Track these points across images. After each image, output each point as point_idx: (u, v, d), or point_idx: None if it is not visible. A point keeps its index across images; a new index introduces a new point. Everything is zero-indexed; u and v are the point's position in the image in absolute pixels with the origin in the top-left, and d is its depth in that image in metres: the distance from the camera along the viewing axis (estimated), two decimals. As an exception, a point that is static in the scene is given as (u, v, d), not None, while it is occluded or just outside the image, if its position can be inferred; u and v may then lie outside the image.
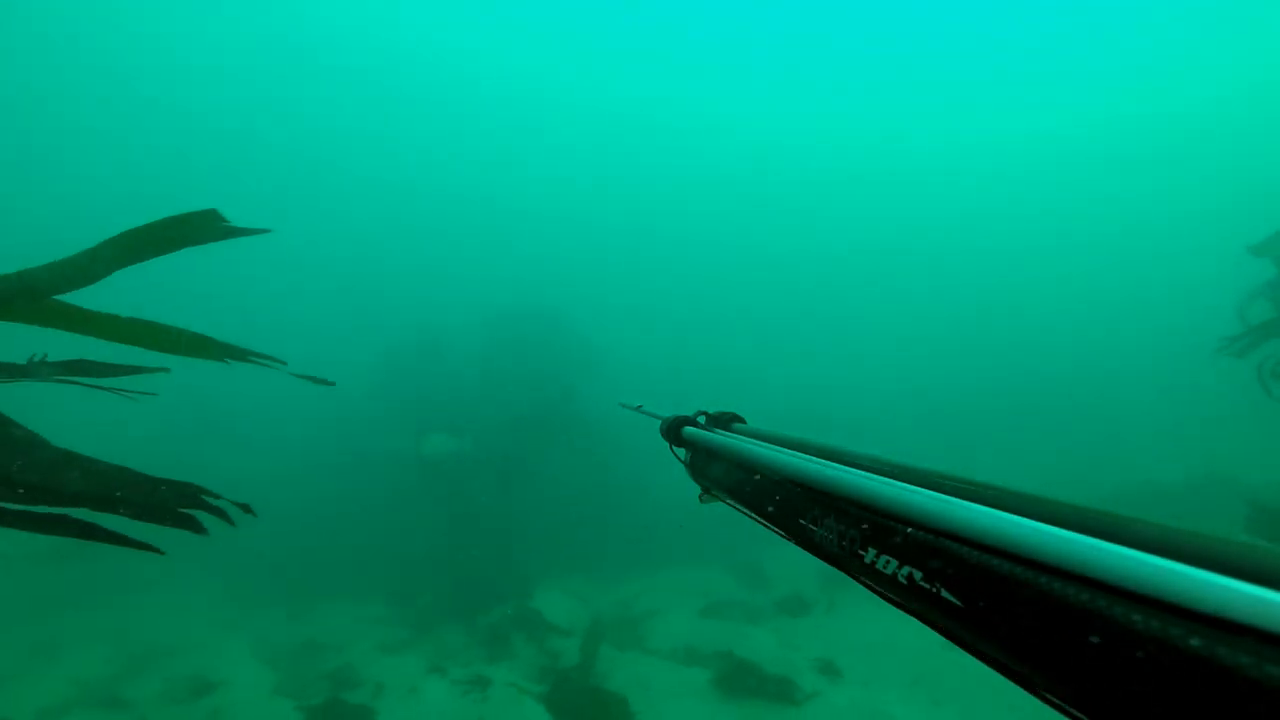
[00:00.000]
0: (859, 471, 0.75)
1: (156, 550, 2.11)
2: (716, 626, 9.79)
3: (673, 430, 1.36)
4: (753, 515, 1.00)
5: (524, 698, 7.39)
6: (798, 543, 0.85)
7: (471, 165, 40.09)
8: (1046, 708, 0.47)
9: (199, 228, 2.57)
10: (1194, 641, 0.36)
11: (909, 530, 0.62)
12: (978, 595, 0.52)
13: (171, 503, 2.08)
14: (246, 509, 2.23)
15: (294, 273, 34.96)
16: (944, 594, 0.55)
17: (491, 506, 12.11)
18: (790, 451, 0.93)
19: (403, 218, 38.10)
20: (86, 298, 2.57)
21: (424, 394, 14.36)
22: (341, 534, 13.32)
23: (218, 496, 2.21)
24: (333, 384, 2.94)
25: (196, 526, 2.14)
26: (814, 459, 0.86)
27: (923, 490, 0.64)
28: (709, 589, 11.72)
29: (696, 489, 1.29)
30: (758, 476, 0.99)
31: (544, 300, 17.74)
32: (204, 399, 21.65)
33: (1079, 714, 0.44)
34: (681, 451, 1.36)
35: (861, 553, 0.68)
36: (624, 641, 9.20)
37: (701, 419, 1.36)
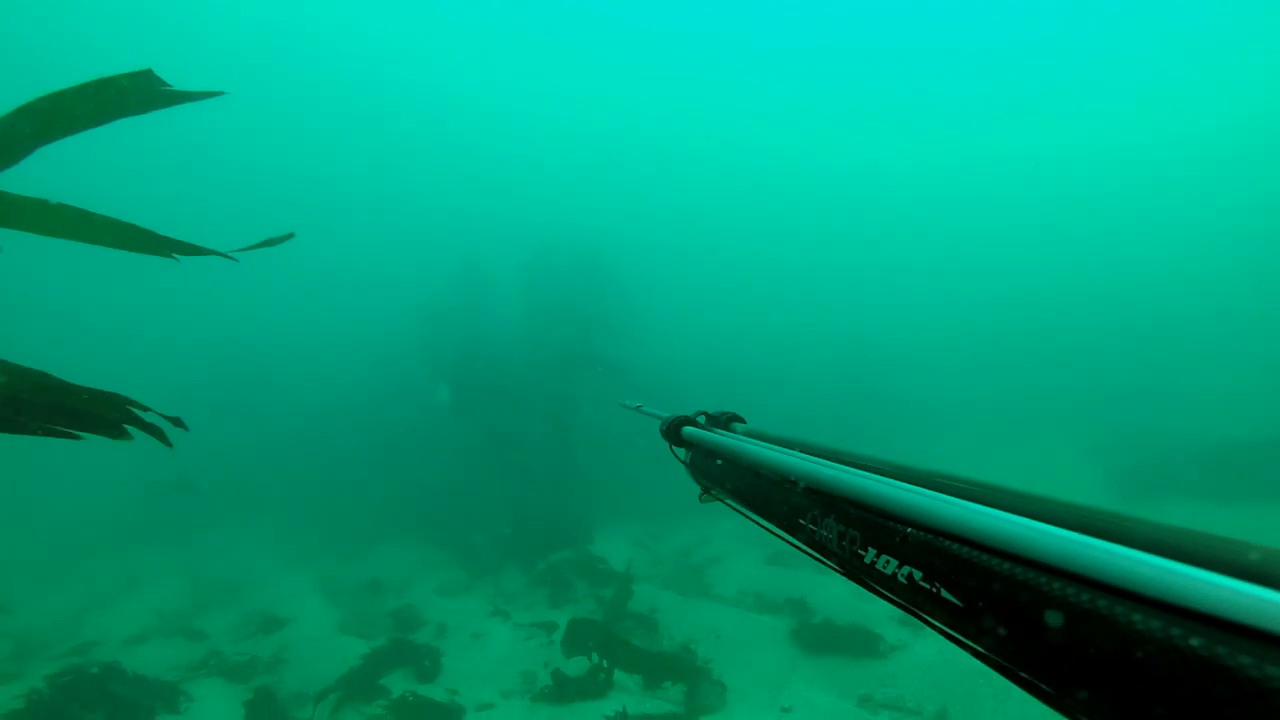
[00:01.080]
0: (859, 471, 0.75)
1: (75, 436, 2.00)
2: (784, 574, 9.30)
3: (673, 430, 1.34)
4: (753, 516, 1.02)
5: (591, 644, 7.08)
6: (798, 542, 0.85)
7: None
8: None
9: (132, 93, 2.12)
10: (1194, 641, 0.35)
11: (909, 530, 0.61)
12: (977, 595, 0.52)
13: (93, 410, 1.98)
14: (178, 422, 2.13)
15: (340, 226, 35.29)
16: (944, 594, 0.55)
17: (545, 451, 11.79)
18: (790, 451, 0.92)
19: (446, 176, 37.88)
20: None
21: (471, 341, 14.00)
22: (394, 478, 13.37)
23: (147, 409, 2.06)
24: (291, 235, 2.55)
25: (119, 433, 2.03)
26: (814, 459, 0.85)
27: (922, 490, 0.63)
28: (772, 536, 11.22)
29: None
30: (758, 476, 0.99)
31: (587, 244, 17.06)
32: (258, 345, 22.17)
33: (1079, 714, 0.43)
34: (681, 451, 1.35)
35: (861, 552, 0.68)
36: (688, 589, 8.82)
37: (701, 419, 1.34)
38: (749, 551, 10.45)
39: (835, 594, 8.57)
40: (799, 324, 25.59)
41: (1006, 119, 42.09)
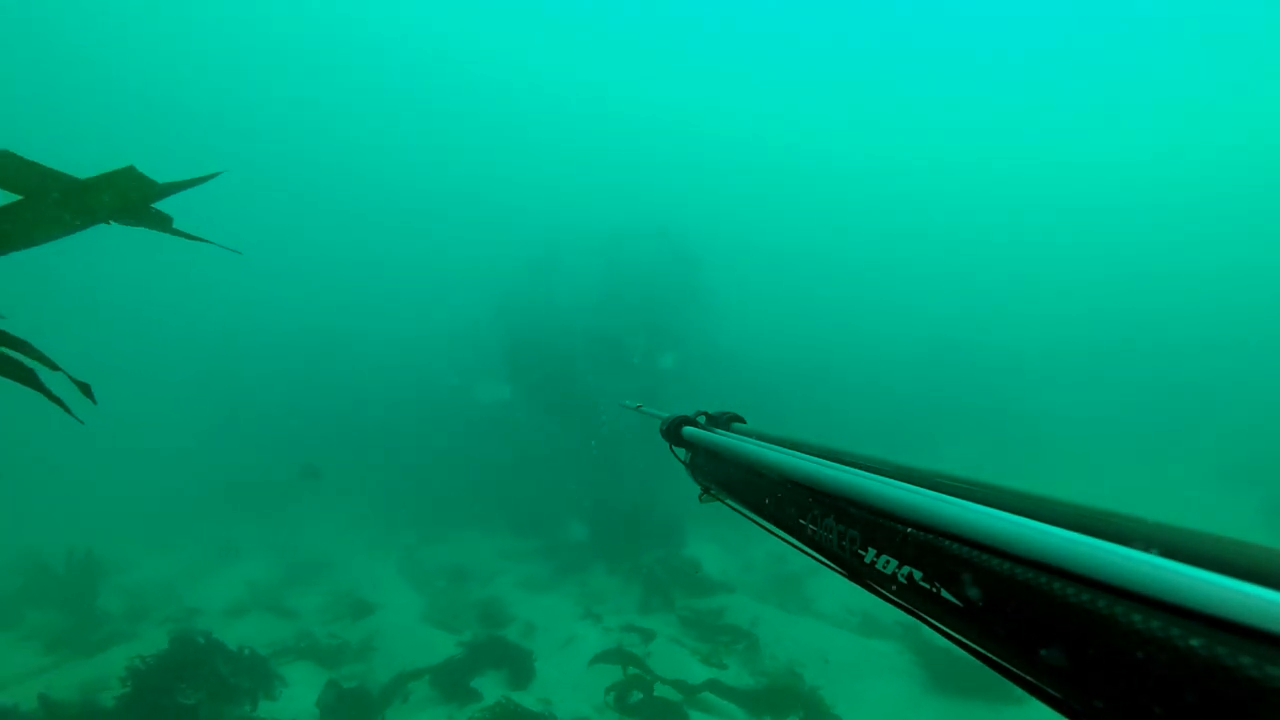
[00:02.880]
0: (859, 471, 0.75)
1: None
2: (891, 594, 8.43)
3: (673, 430, 1.34)
4: (753, 516, 1.02)
5: (690, 658, 6.55)
6: (798, 543, 0.85)
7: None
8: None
9: (118, 195, 1.86)
10: (1194, 642, 0.35)
11: (909, 530, 0.61)
12: (978, 595, 0.52)
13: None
14: (86, 390, 1.98)
15: (426, 220, 36.31)
16: (944, 594, 0.55)
17: (635, 445, 11.31)
18: (790, 451, 0.92)
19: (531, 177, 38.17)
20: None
21: (559, 331, 13.67)
22: (477, 464, 13.30)
23: (56, 367, 1.89)
24: (240, 252, 2.42)
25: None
26: (814, 459, 0.85)
27: (922, 490, 0.63)
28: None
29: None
30: (758, 476, 0.99)
31: (669, 238, 16.49)
32: (350, 331, 22.96)
33: (1079, 714, 0.43)
34: (682, 452, 1.35)
35: (861, 553, 0.68)
36: (788, 602, 8.13)
37: (702, 419, 1.34)
38: (847, 563, 9.62)
39: (953, 620, 7.66)
40: (896, 328, 24.00)
41: (1136, 121, 38.66)
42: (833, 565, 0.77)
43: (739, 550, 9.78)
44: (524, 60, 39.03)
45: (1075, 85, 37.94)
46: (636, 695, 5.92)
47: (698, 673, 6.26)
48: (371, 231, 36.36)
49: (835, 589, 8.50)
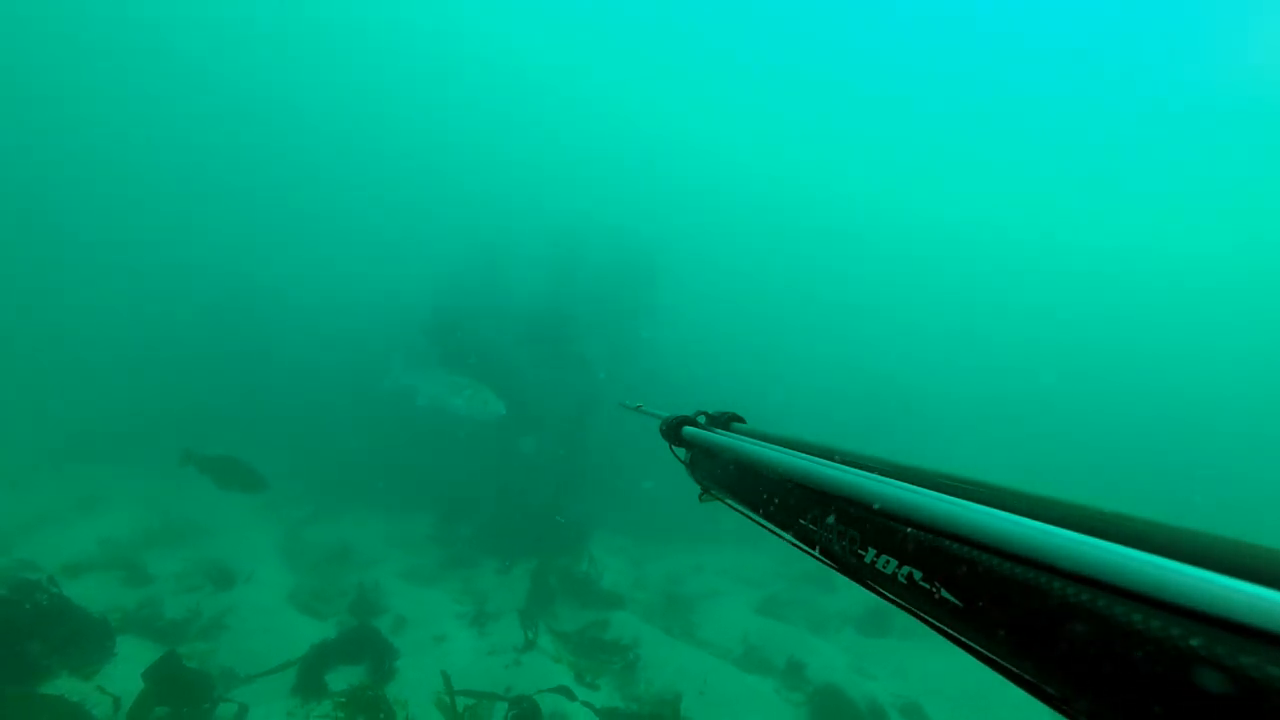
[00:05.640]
0: (859, 471, 0.75)
1: None
2: (778, 630, 8.48)
3: (673, 430, 1.34)
4: (752, 515, 1.02)
5: (565, 673, 6.31)
6: (798, 543, 0.84)
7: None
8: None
9: None
10: (1194, 641, 0.35)
11: (909, 530, 0.61)
12: (977, 595, 0.51)
13: None
14: None
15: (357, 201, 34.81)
16: (943, 593, 0.54)
17: (546, 446, 11.01)
18: (790, 451, 0.92)
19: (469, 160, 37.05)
20: None
21: (488, 317, 13.21)
22: (383, 447, 12.62)
23: None
24: None
25: None
26: (814, 459, 0.84)
27: (922, 490, 0.63)
28: (766, 579, 10.44)
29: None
30: (758, 476, 0.98)
31: (619, 238, 16.43)
32: (272, 290, 21.56)
33: (1079, 713, 0.42)
34: (681, 451, 1.35)
35: (861, 552, 0.68)
36: (674, 625, 8.02)
37: (701, 419, 1.33)
38: (741, 593, 9.66)
39: (831, 662, 7.78)
40: (843, 359, 24.50)
41: (1183, 202, 38.87)
42: (832, 565, 0.76)
43: (638, 565, 9.63)
44: (502, 49, 37.99)
45: (1039, 134, 39.40)
46: (499, 707, 5.64)
47: (567, 689, 6.03)
48: (316, 197, 34.55)
49: (723, 618, 8.47)
